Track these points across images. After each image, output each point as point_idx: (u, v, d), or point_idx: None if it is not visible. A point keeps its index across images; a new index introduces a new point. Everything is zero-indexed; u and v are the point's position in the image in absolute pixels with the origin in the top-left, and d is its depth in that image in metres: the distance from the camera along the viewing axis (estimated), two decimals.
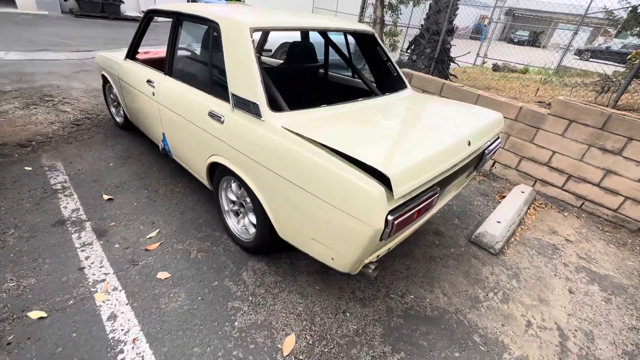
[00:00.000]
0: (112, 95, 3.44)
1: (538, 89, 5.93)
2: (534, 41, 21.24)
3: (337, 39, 2.76)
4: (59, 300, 1.60)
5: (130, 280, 1.76)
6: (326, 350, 1.52)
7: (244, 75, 1.64)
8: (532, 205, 2.97)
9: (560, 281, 2.15)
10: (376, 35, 2.47)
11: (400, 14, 6.26)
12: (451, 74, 6.30)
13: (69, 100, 4.16)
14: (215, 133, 1.83)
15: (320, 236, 1.44)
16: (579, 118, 2.84)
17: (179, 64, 2.26)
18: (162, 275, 1.81)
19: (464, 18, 7.51)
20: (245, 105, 1.64)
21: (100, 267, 1.82)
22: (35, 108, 3.80)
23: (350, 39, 2.58)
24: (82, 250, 1.92)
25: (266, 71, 2.88)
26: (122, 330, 1.50)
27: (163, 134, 2.48)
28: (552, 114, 2.98)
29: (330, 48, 2.81)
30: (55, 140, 3.15)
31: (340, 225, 1.30)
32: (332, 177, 1.28)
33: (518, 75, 8.25)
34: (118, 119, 3.52)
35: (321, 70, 3.03)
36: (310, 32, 2.98)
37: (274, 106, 1.62)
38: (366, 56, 2.59)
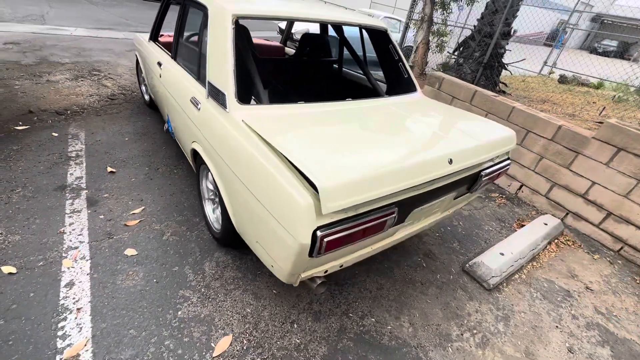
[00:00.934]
0: (142, 74, 3.64)
1: (604, 108, 5.14)
2: (622, 52, 18.56)
3: (355, 34, 2.60)
4: (32, 260, 1.72)
5: (99, 252, 1.83)
6: (258, 359, 1.45)
7: (220, 63, 1.59)
8: (556, 241, 2.57)
9: (560, 335, 1.82)
10: (389, 32, 2.28)
11: (450, 12, 5.78)
12: (501, 82, 5.72)
13: (113, 76, 4.50)
14: (193, 119, 1.82)
15: (261, 240, 1.36)
16: (630, 146, 2.37)
17: (183, 49, 2.29)
18: (130, 252, 1.86)
19: (538, 22, 6.74)
20: (216, 94, 1.60)
21: (79, 235, 1.93)
22: (82, 80, 4.17)
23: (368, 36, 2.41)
24: (70, 217, 2.05)
25: (271, 62, 2.84)
26: (74, 299, 1.56)
27: (167, 115, 2.55)
28: (597, 138, 2.53)
29: (355, 43, 2.66)
30: (87, 111, 3.43)
31: (275, 233, 1.21)
32: (269, 179, 1.18)
33: (587, 89, 7.25)
34: (146, 97, 3.72)
35: (336, 65, 2.90)
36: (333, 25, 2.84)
37: (244, 98, 1.56)
38: (378, 54, 2.40)
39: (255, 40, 3.55)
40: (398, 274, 2.04)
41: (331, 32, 2.95)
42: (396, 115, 1.79)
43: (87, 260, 1.78)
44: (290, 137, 1.32)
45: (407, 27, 6.78)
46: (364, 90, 2.43)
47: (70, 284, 1.63)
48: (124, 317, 1.52)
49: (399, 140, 1.46)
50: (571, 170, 2.71)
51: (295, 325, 1.62)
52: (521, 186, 3.09)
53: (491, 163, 1.75)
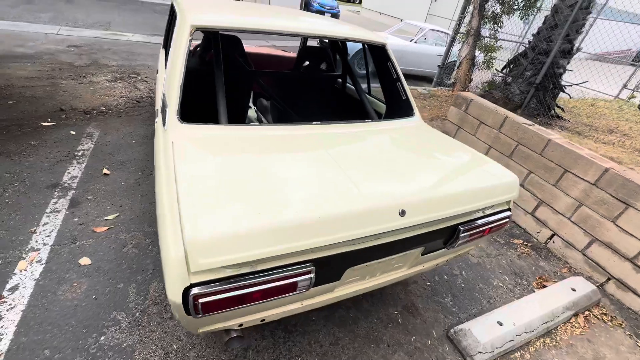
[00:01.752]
0: None
1: None
2: None
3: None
4: None
5: (56, 257, 1.83)
6: None
7: (171, 75, 1.48)
8: (586, 314, 2.04)
9: None
10: (387, 47, 2.01)
11: (500, 26, 5.18)
12: (558, 106, 4.97)
13: (148, 79, 4.77)
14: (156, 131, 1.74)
15: None
16: None
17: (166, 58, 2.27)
18: (84, 261, 1.83)
19: (619, 38, 5.83)
20: (164, 109, 1.49)
21: (47, 236, 1.96)
22: (119, 82, 4.47)
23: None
24: (47, 216, 2.10)
25: (264, 76, 2.71)
26: (10, 305, 1.55)
27: None
28: None
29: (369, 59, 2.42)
30: (111, 112, 3.63)
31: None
32: (161, 217, 1.02)
33: None
34: None
35: (340, 80, 2.68)
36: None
37: (190, 116, 1.42)
38: (378, 72, 2.14)
39: (263, 51, 3.47)
40: (363, 328, 1.74)
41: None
42: (367, 145, 1.52)
43: (42, 264, 1.78)
44: (204, 167, 1.14)
45: (453, 41, 6.28)
46: (356, 111, 2.18)
47: (14, 289, 1.63)
48: (46, 333, 1.46)
49: (343, 180, 1.19)
50: (618, 226, 2.15)
51: None
52: (552, 235, 2.55)
53: (479, 215, 1.39)
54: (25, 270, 1.73)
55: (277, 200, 1.02)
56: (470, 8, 5.38)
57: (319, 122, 1.62)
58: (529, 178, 2.69)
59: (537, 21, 5.30)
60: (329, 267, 1.11)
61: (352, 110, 2.36)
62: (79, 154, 2.80)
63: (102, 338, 1.48)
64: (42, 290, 1.64)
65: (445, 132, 3.50)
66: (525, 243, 2.62)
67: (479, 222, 1.36)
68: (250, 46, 3.36)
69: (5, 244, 1.86)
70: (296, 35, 1.72)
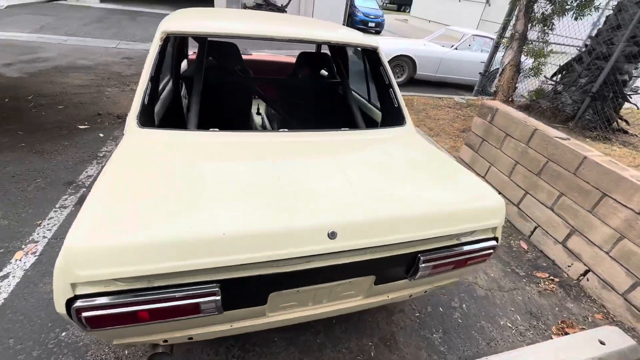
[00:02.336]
0: None
1: None
2: None
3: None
4: None
5: (51, 250, 1.95)
6: None
7: (140, 80, 1.50)
8: None
9: None
10: (379, 51, 1.85)
11: (551, 29, 4.60)
12: (621, 118, 4.26)
13: None
14: None
15: None
16: None
17: None
18: None
19: None
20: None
21: (48, 230, 2.10)
22: None
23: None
24: (55, 211, 2.27)
25: (260, 81, 2.68)
26: None
27: None
28: None
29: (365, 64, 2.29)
30: None
31: None
32: None
33: None
34: None
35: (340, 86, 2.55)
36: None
37: (147, 122, 1.41)
38: (372, 77, 1.98)
39: (268, 58, 3.45)
40: (327, 357, 1.57)
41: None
42: (329, 156, 1.36)
43: (35, 256, 1.91)
44: (131, 173, 1.09)
45: (497, 47, 5.78)
46: (351, 119, 2.03)
47: (4, 277, 1.75)
48: (16, 323, 1.54)
49: (276, 195, 1.05)
50: None
51: None
52: (587, 272, 2.12)
53: (452, 242, 1.17)
54: (20, 260, 1.86)
55: (191, 212, 0.94)
56: (516, 10, 4.90)
57: (286, 130, 1.52)
58: (560, 201, 2.29)
59: (586, 21, 4.66)
60: (246, 290, 1.00)
61: (348, 117, 2.22)
62: (101, 154, 3.02)
63: (63, 334, 1.52)
64: (27, 280, 1.75)
65: (469, 145, 3.17)
66: (551, 278, 2.21)
67: (448, 251, 1.15)
68: (263, 53, 3.39)
69: (12, 234, 2.03)
70: (270, 39, 1.65)
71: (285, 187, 1.09)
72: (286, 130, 1.52)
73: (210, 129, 1.44)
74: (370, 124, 2.02)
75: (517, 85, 5.27)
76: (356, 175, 1.22)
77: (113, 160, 1.15)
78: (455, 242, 1.18)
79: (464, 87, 7.01)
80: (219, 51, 2.28)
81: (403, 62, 6.49)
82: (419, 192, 1.19)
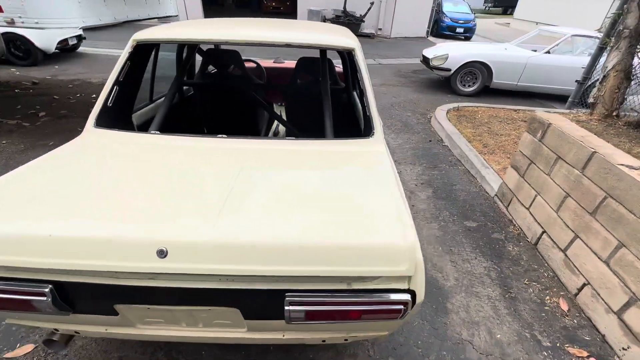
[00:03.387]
0: None
1: None
2: None
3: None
4: None
5: None
6: None
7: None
8: None
9: None
10: (355, 53, 1.63)
11: None
12: None
13: None
14: None
15: None
16: None
17: None
18: None
19: None
20: None
21: None
22: None
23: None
24: None
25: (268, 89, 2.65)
26: None
27: None
28: None
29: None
30: None
31: None
32: None
33: None
34: None
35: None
36: None
37: (106, 123, 1.51)
38: (352, 81, 1.76)
39: (277, 65, 3.38)
40: None
41: None
42: (242, 167, 1.22)
43: None
44: (42, 172, 1.16)
45: (602, 48, 4.64)
46: (345, 126, 1.83)
47: None
48: None
49: (141, 202, 0.98)
50: None
51: None
52: (627, 348, 1.45)
53: (341, 287, 0.92)
54: None
55: (54, 210, 0.95)
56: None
57: (224, 136, 1.45)
58: (618, 254, 1.64)
59: None
60: (85, 296, 0.96)
61: (343, 124, 2.03)
62: None
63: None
64: None
65: (515, 167, 2.57)
66: (585, 348, 1.59)
67: (324, 297, 0.90)
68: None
69: None
70: (235, 43, 1.61)
71: (161, 195, 1.03)
72: (224, 136, 1.45)
73: (164, 133, 1.47)
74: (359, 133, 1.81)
75: (625, 96, 4.10)
76: (249, 191, 1.07)
77: (45, 155, 1.26)
78: (344, 287, 0.92)
79: (558, 98, 5.80)
80: (219, 59, 2.36)
81: (476, 69, 5.74)
82: (311, 219, 0.97)
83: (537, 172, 2.31)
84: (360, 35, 12.34)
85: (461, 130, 4.06)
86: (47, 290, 0.89)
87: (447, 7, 13.30)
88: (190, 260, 0.85)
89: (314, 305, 0.90)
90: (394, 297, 0.91)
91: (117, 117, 1.63)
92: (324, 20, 12.03)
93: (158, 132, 1.48)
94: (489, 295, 1.93)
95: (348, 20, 11.48)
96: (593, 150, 1.83)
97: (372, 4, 11.56)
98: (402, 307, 0.92)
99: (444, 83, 6.44)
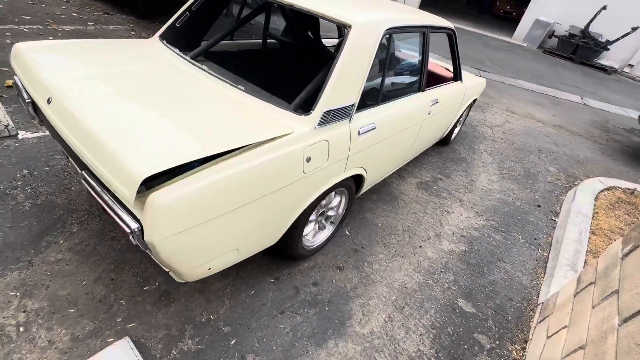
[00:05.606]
0: None
1: None
2: None
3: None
4: None
5: None
6: None
7: None
8: None
9: None
10: (351, 31, 1.45)
11: None
12: None
13: None
14: None
15: None
16: None
17: None
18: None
19: None
20: None
21: None
22: None
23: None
24: None
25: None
26: None
27: None
28: None
29: None
30: None
31: None
32: None
33: None
34: None
35: None
36: None
37: (168, 37, 1.97)
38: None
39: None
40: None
41: None
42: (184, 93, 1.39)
43: None
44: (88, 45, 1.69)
45: None
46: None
47: None
48: None
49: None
50: None
51: None
52: None
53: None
54: None
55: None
56: None
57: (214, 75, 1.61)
58: None
59: None
60: None
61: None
62: None
63: None
64: None
65: (578, 279, 1.67)
66: None
67: None
68: None
69: None
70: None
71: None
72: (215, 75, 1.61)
73: (179, 49, 1.81)
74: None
75: None
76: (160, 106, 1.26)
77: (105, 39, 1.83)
78: None
79: None
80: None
81: None
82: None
83: (587, 297, 1.46)
84: (591, 65, 9.47)
85: (598, 215, 2.81)
86: None
87: None
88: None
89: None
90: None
91: (180, 37, 2.08)
92: (550, 37, 9.80)
93: (187, 56, 1.78)
94: None
95: (584, 42, 8.97)
96: None
97: (634, 29, 8.55)
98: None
99: None
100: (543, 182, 3.43)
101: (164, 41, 1.89)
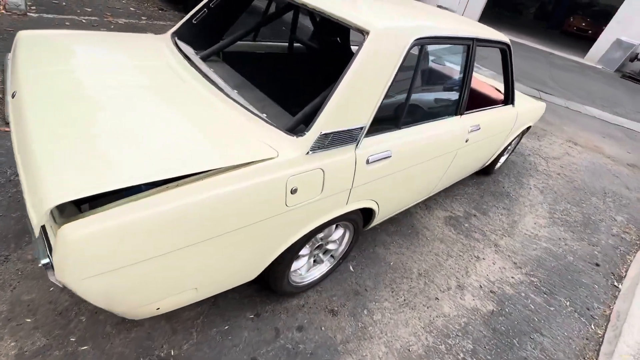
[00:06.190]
0: None
1: None
2: None
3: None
4: None
5: None
6: None
7: None
8: None
9: None
10: (367, 38, 1.18)
11: None
12: None
13: None
14: None
15: None
16: None
17: None
18: None
19: None
20: None
21: None
22: None
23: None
24: None
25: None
26: None
27: None
28: None
29: None
30: None
31: None
32: None
33: None
34: None
35: None
36: None
37: (180, 35, 1.85)
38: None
39: None
40: None
41: None
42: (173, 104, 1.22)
43: None
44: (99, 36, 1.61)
45: None
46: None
47: None
48: None
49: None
50: None
51: None
52: None
53: None
54: None
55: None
56: None
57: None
58: None
59: None
60: None
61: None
62: None
63: None
64: None
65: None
66: None
67: None
68: None
69: None
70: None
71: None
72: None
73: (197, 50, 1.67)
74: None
75: None
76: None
77: (118, 32, 1.74)
78: None
79: None
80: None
81: None
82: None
83: None
84: None
85: None
86: None
87: None
88: None
89: None
90: None
91: (195, 35, 1.95)
92: (633, 60, 8.58)
93: (197, 56, 1.64)
94: None
95: None
96: None
97: None
98: None
99: None
100: (606, 234, 2.83)
101: (176, 37, 1.76)
